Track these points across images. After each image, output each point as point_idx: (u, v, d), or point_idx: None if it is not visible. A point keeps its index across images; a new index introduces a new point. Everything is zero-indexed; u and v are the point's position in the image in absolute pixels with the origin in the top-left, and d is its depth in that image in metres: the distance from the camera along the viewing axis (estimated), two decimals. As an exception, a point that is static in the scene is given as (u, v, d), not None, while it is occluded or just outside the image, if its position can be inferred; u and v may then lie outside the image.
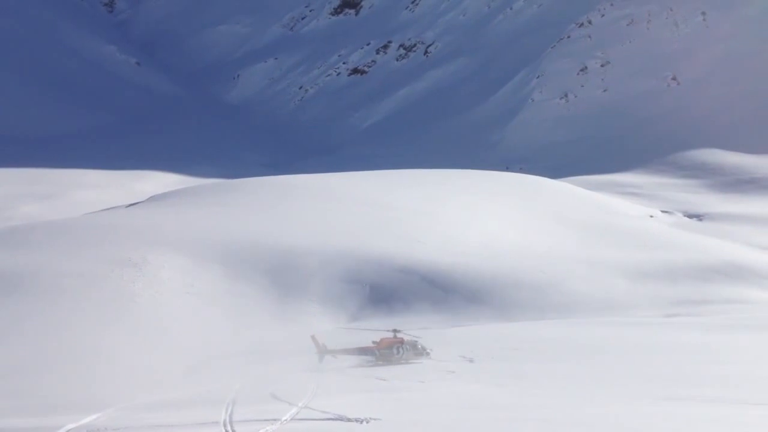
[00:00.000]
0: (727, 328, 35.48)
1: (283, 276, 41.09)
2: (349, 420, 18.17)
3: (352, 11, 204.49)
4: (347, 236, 49.41)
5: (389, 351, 26.99)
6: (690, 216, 76.88)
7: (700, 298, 45.16)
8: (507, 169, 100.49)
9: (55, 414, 19.30)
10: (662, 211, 77.84)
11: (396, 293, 34.65)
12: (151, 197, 72.42)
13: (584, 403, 20.81)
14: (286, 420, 18.76)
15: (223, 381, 21.87)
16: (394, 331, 27.84)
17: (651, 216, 73.93)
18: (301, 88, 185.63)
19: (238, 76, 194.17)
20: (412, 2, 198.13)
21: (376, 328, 28.96)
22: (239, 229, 50.12)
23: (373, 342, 27.72)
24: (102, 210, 71.17)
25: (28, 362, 26.36)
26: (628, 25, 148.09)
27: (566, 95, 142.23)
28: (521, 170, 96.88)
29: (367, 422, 17.82)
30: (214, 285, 40.11)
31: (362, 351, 27.39)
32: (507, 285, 42.33)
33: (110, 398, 21.64)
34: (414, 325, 29.34)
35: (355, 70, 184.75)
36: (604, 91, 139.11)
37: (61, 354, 27.35)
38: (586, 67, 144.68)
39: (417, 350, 26.86)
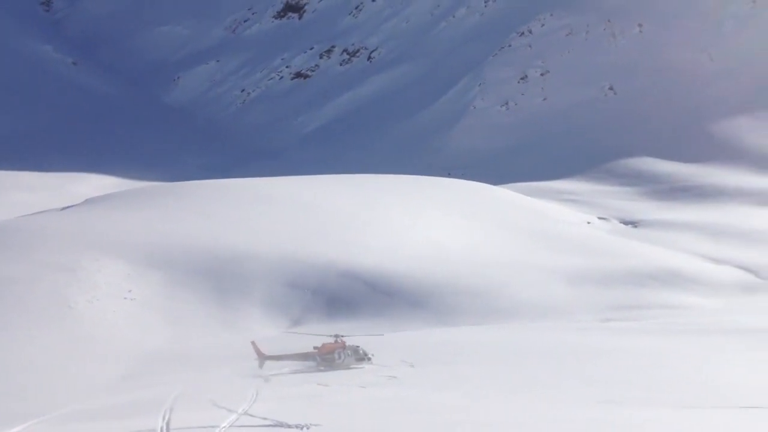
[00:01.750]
0: (661, 332, 36.31)
1: (223, 281, 40.58)
2: (289, 426, 18.00)
3: (296, 15, 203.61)
4: (289, 241, 49.08)
5: (331, 356, 26.85)
6: (626, 223, 78.56)
7: (636, 303, 46.12)
8: (449, 175, 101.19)
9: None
10: (599, 218, 79.37)
11: (338, 298, 34.54)
12: (86, 200, 70.81)
13: (523, 406, 21.00)
14: (224, 427, 18.48)
15: (160, 388, 21.44)
16: (336, 336, 27.70)
17: (588, 222, 75.32)
18: (243, 91, 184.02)
19: (179, 78, 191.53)
20: (356, 8, 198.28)
21: (317, 333, 28.80)
22: (178, 233, 49.34)
23: (315, 347, 27.53)
24: (35, 213, 69.30)
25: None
26: (567, 35, 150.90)
27: (507, 103, 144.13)
28: (463, 176, 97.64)
29: (308, 428, 17.67)
30: (152, 290, 39.37)
31: (303, 356, 27.18)
32: (449, 290, 42.58)
33: (41, 407, 21.03)
34: (357, 330, 29.28)
35: (299, 74, 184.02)
36: (544, 99, 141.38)
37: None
38: (526, 76, 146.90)
39: (358, 355, 26.77)
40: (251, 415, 20.04)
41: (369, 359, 26.64)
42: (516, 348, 30.86)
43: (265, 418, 19.43)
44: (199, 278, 41.16)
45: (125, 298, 38.00)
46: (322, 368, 26.55)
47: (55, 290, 36.56)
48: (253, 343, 27.65)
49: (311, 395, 22.25)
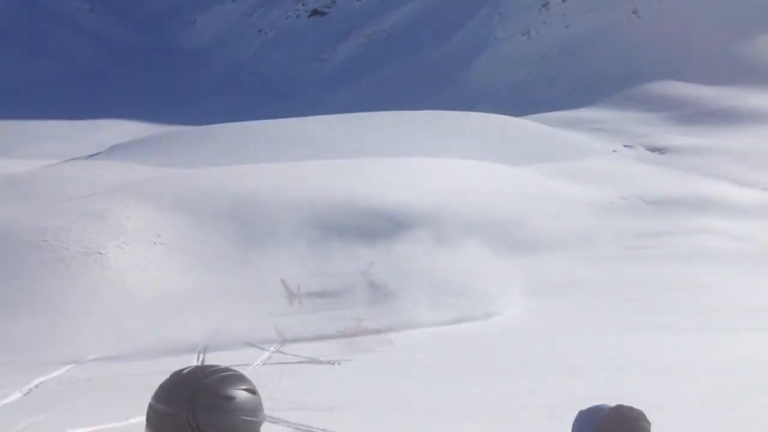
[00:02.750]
0: (690, 258, 36.22)
1: (249, 222, 40.90)
2: (321, 362, 18.37)
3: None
4: (313, 180, 49.24)
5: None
6: (652, 149, 77.70)
7: (662, 229, 45.91)
8: (471, 108, 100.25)
9: (24, 369, 19.22)
10: (625, 146, 78.53)
11: (363, 235, 34.73)
12: (112, 147, 71.30)
13: (552, 339, 21.21)
14: (258, 365, 18.90)
15: (192, 329, 21.89)
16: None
17: (614, 151, 74.58)
18: (260, 31, 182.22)
19: (195, 20, 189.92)
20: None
21: (341, 273, 29.24)
22: (203, 176, 49.67)
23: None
24: (63, 161, 69.96)
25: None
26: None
27: (528, 32, 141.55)
28: (485, 109, 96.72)
29: (339, 364, 18.04)
30: (180, 234, 39.82)
31: (330, 293, 27.72)
32: (474, 224, 42.59)
33: (79, 351, 21.58)
34: (381, 264, 29.56)
35: (315, 12, 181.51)
36: (566, 26, 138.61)
37: (27, 309, 27.12)
38: (547, 3, 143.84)
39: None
40: (283, 353, 20.45)
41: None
42: (544, 280, 30.91)
43: (296, 355, 19.83)
44: (226, 220, 41.53)
45: (154, 243, 38.52)
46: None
47: (85, 237, 37.13)
48: (282, 281, 28.10)
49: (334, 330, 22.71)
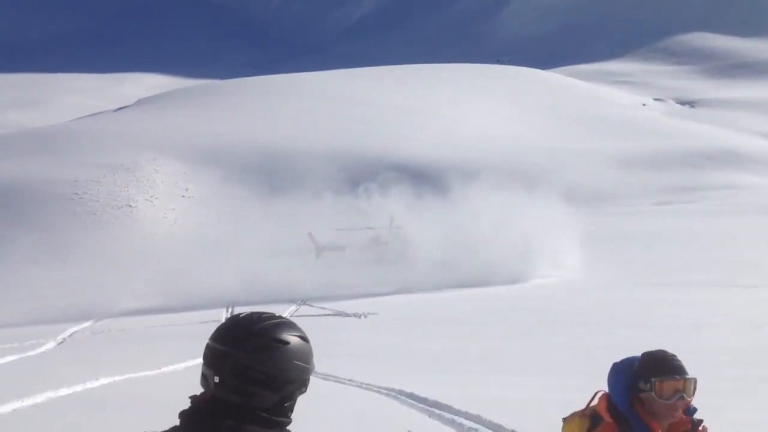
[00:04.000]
0: (719, 213, 35.86)
1: (276, 176, 41.05)
2: (347, 315, 18.55)
3: None
4: (337, 135, 49.18)
5: (383, 247, 27.83)
6: (682, 103, 76.48)
7: (692, 184, 45.44)
8: (498, 61, 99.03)
9: (58, 318, 19.62)
10: (654, 99, 77.40)
11: (388, 191, 34.82)
12: (138, 101, 71.48)
13: (582, 288, 21.22)
14: (293, 311, 19.19)
15: (220, 279, 22.15)
16: (385, 227, 28.73)
17: (643, 104, 73.55)
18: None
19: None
20: None
21: (368, 227, 29.35)
22: (230, 131, 49.76)
23: (369, 238, 28.67)
24: (90, 115, 70.35)
25: (26, 269, 26.57)
26: None
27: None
28: (512, 62, 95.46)
29: (365, 317, 18.19)
30: (208, 187, 40.10)
31: (359, 247, 28.14)
32: (499, 178, 42.36)
33: (111, 301, 21.96)
34: (405, 217, 29.75)
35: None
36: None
37: (60, 260, 27.57)
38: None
39: (407, 242, 27.42)
40: (310, 305, 20.68)
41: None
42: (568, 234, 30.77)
43: (323, 308, 20.04)
44: (253, 174, 41.72)
45: (183, 196, 38.83)
46: (374, 253, 27.67)
47: (115, 191, 37.50)
48: (310, 234, 28.41)
49: (366, 288, 22.82)
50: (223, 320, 2.05)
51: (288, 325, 2.06)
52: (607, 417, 2.96)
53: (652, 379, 2.85)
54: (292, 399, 2.04)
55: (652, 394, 2.86)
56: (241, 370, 1.96)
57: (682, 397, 2.87)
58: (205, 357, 2.00)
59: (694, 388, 2.91)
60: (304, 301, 21.39)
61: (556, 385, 9.27)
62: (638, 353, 3.05)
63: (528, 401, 8.60)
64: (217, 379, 1.95)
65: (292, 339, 2.03)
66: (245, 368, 1.96)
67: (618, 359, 3.06)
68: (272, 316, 2.05)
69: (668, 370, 2.86)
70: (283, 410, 2.03)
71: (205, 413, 1.98)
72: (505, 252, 23.57)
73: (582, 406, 3.12)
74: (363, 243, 28.30)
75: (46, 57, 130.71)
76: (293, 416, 2.06)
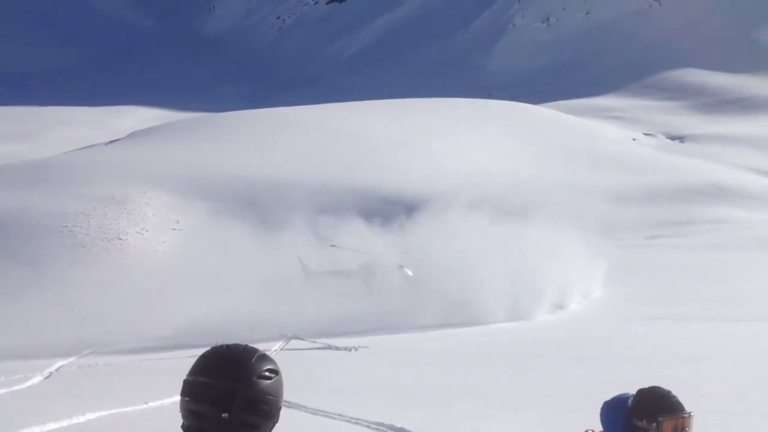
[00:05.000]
0: (710, 248, 35.96)
1: (267, 209, 41.02)
2: (338, 349, 18.42)
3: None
4: (329, 168, 49.29)
5: (374, 272, 27.22)
6: (672, 138, 77.09)
7: (683, 219, 45.61)
8: (489, 96, 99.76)
9: (45, 353, 19.41)
10: (644, 134, 77.97)
11: (378, 223, 34.76)
12: (131, 133, 71.61)
13: (572, 321, 21.15)
14: (275, 351, 18.99)
15: (210, 315, 22.00)
16: (377, 255, 28.18)
17: (633, 139, 74.07)
18: (278, 18, 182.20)
19: (214, 7, 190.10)
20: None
21: (360, 249, 29.19)
22: (221, 163, 49.82)
23: (358, 266, 28.04)
24: (82, 148, 70.36)
25: (12, 302, 26.36)
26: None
27: (548, 19, 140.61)
28: (504, 97, 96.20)
29: (356, 350, 18.06)
30: (199, 220, 40.02)
31: (346, 274, 27.59)
32: (487, 212, 42.39)
33: (98, 336, 21.76)
34: (399, 248, 29.52)
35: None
36: (586, 13, 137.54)
37: (48, 294, 27.37)
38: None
39: (402, 274, 26.99)
40: (300, 339, 20.51)
41: (409, 275, 26.82)
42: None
43: (314, 341, 19.89)
44: (244, 207, 41.68)
45: (173, 229, 38.73)
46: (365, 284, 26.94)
47: (105, 223, 37.38)
48: (299, 258, 28.28)
49: (355, 316, 22.55)
50: (201, 355, 2.03)
51: (266, 354, 2.16)
52: (604, 456, 2.92)
53: (659, 418, 2.82)
54: (274, 426, 2.10)
55: None
56: (250, 404, 2.00)
57: None
58: (202, 395, 1.98)
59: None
60: (292, 336, 21.14)
61: (548, 419, 9.19)
62: (631, 389, 3.02)
63: (520, 437, 8.52)
64: (225, 416, 1.94)
65: (277, 367, 2.12)
66: (254, 402, 2.01)
67: (608, 396, 3.03)
68: (253, 348, 2.10)
69: (673, 408, 2.85)
70: None
71: None
72: (504, 287, 22.91)
73: (574, 441, 3.07)
74: (353, 269, 27.66)
75: (40, 89, 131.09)
76: None
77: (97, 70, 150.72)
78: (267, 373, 2.04)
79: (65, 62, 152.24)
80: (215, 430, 1.95)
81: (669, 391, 2.95)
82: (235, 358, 2.04)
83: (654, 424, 2.85)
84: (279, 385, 2.06)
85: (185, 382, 2.00)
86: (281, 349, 19.20)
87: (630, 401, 2.96)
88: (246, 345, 2.10)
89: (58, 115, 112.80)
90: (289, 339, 20.73)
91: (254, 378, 2.01)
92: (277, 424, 2.03)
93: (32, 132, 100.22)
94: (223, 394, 1.96)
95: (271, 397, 2.02)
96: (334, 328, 21.48)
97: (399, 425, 8.97)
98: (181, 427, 1.99)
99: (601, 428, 3.04)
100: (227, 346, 2.07)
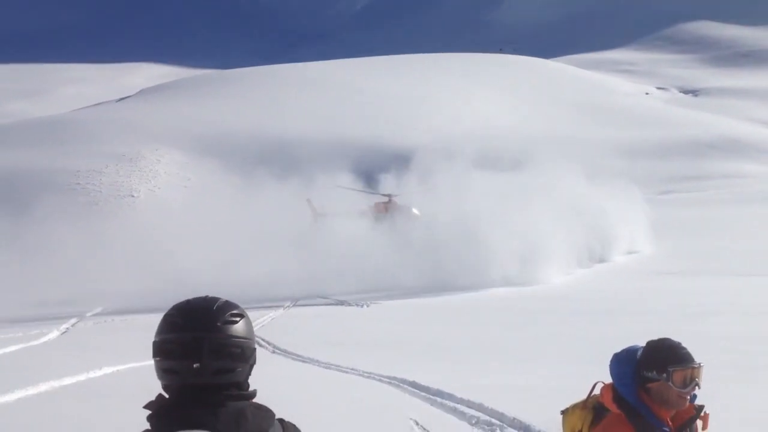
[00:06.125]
0: (723, 202, 35.83)
1: (278, 165, 41.02)
2: (349, 305, 18.56)
3: None
4: (341, 124, 49.14)
5: (383, 214, 27.30)
6: (685, 92, 76.32)
7: (696, 173, 45.39)
8: (501, 50, 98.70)
9: (60, 309, 19.66)
10: (657, 88, 77.22)
11: (391, 178, 34.72)
12: (141, 91, 71.49)
13: (588, 278, 21.20)
14: (289, 306, 19.15)
15: (225, 270, 22.13)
16: (389, 195, 28.25)
17: (646, 93, 73.39)
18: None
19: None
20: None
21: (371, 191, 29.28)
22: (231, 121, 49.74)
23: (368, 206, 28.21)
24: (92, 105, 70.34)
25: (30, 257, 26.62)
26: None
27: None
28: (515, 51, 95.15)
29: (367, 306, 18.20)
30: (209, 177, 40.09)
31: (357, 213, 27.59)
32: (496, 166, 42.30)
33: (112, 291, 21.99)
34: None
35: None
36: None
37: (62, 250, 27.59)
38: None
39: (410, 214, 27.04)
40: (313, 296, 20.61)
41: (417, 217, 26.77)
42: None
43: (325, 297, 20.04)
44: (255, 164, 41.67)
45: (185, 187, 38.86)
46: (375, 223, 26.94)
47: (117, 181, 37.53)
48: (308, 200, 28.37)
49: (366, 280, 22.23)
50: (165, 313, 2.05)
51: (228, 300, 2.13)
52: (614, 408, 2.94)
53: (669, 369, 2.84)
54: (252, 368, 2.10)
55: (669, 383, 2.85)
56: (220, 349, 2.00)
57: (697, 385, 2.88)
58: (170, 352, 2.00)
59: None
60: (296, 302, 20.82)
61: (558, 374, 9.28)
62: (641, 342, 3.04)
63: (530, 389, 8.61)
64: (196, 366, 1.96)
65: (242, 311, 2.10)
66: (223, 346, 2.00)
67: (619, 348, 3.05)
68: (215, 297, 2.12)
69: (683, 359, 2.87)
70: (247, 382, 2.09)
71: (179, 405, 1.99)
72: (513, 251, 21.72)
73: (583, 395, 3.11)
74: (363, 209, 27.65)
75: (48, 47, 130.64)
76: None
77: (105, 27, 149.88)
78: (231, 318, 2.03)
79: (72, 19, 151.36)
80: (191, 381, 1.98)
81: (679, 343, 2.97)
82: (196, 309, 2.04)
83: (664, 374, 2.87)
84: (246, 327, 2.05)
85: (153, 343, 2.02)
86: (293, 306, 19.36)
87: (639, 353, 2.98)
88: (207, 295, 2.11)
89: (67, 73, 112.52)
90: (296, 301, 20.47)
91: (219, 324, 2.00)
92: (257, 365, 2.07)
93: (40, 90, 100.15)
94: (190, 345, 1.97)
95: (240, 339, 2.01)
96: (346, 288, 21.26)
97: (411, 379, 9.07)
98: (161, 388, 2.02)
99: (611, 381, 3.06)
100: (188, 300, 2.08)
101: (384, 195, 28.55)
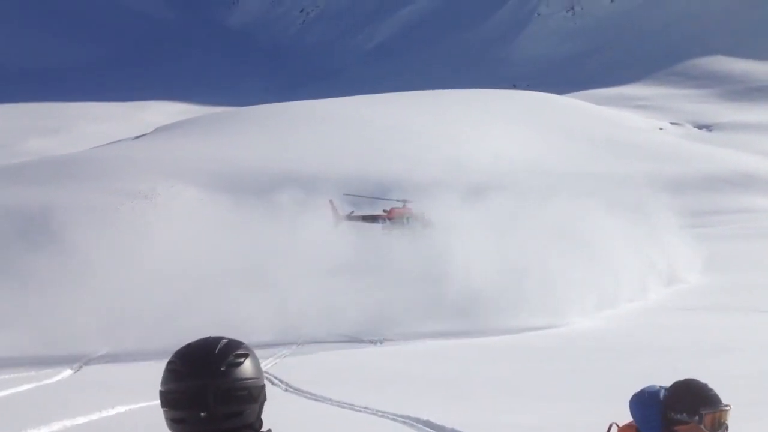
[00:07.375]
0: (738, 237, 35.61)
1: (293, 200, 41.22)
2: (363, 342, 18.47)
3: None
4: (355, 160, 49.39)
5: (398, 220, 28.04)
6: (699, 127, 76.27)
7: (709, 208, 45.17)
8: (514, 86, 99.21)
9: (74, 344, 19.67)
10: (671, 123, 77.22)
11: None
12: (157, 128, 72.25)
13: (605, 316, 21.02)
14: (301, 343, 19.06)
15: (235, 307, 22.07)
16: (404, 201, 28.80)
17: (660, 128, 73.40)
18: (302, 11, 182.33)
19: (238, 0, 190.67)
20: None
21: (385, 198, 29.68)
22: (245, 156, 50.12)
23: (384, 210, 28.87)
24: (109, 143, 71.09)
25: (44, 296, 26.69)
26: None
27: (573, 7, 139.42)
28: (528, 87, 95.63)
29: (381, 343, 18.11)
30: (224, 213, 40.29)
31: (373, 218, 28.50)
32: (509, 201, 42.19)
33: (126, 327, 21.99)
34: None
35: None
36: (611, 1, 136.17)
37: (77, 287, 27.66)
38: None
39: (424, 221, 27.27)
40: (326, 332, 20.46)
41: (432, 225, 26.86)
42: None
43: (340, 334, 19.93)
44: (269, 199, 41.90)
45: (200, 222, 39.03)
46: (390, 230, 27.60)
47: (133, 217, 37.76)
48: (331, 201, 28.94)
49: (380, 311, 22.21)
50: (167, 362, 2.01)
51: (232, 339, 2.09)
52: (639, 450, 2.92)
53: (702, 411, 2.83)
54: (263, 406, 2.06)
55: (701, 426, 2.83)
56: (226, 394, 1.97)
57: (726, 427, 2.87)
58: (177, 402, 1.96)
59: None
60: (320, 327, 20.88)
61: (573, 411, 9.19)
62: (657, 380, 3.03)
63: (544, 428, 8.53)
64: (204, 415, 1.94)
65: (247, 349, 2.06)
66: (229, 391, 1.98)
67: (634, 388, 3.04)
68: (216, 338, 2.08)
69: (713, 401, 2.86)
70: (260, 420, 2.05)
71: None
72: (532, 290, 20.19)
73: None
74: (379, 213, 28.56)
75: (67, 85, 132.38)
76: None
77: (123, 65, 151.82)
78: (235, 360, 1.99)
79: (90, 57, 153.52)
80: (202, 430, 1.96)
81: (706, 384, 2.95)
82: (198, 354, 2.00)
83: (696, 417, 2.85)
84: (253, 366, 2.01)
85: (159, 393, 1.99)
86: (307, 343, 19.27)
87: (663, 394, 2.96)
88: (208, 337, 2.07)
89: (84, 110, 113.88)
90: (306, 342, 19.99)
91: (222, 368, 1.97)
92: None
93: (59, 127, 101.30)
94: (195, 394, 1.94)
95: (246, 381, 1.98)
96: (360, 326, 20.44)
97: (424, 418, 9.01)
98: None
99: (628, 421, 3.04)
100: (189, 344, 2.05)
101: (399, 201, 29.26)
